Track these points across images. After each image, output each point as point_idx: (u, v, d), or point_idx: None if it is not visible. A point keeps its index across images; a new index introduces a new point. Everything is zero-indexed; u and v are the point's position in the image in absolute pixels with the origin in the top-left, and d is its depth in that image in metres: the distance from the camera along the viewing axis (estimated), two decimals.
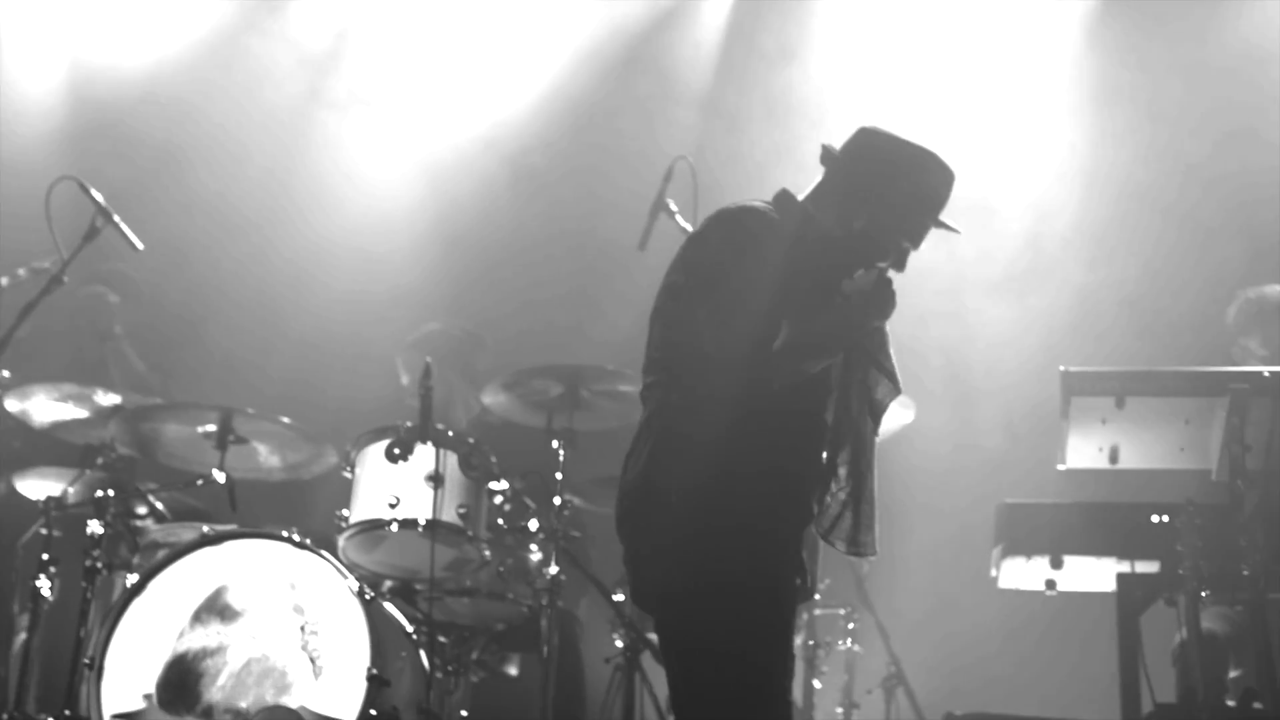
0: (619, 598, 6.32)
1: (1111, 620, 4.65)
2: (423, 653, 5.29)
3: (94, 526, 5.32)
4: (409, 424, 5.46)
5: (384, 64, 8.16)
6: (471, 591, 5.70)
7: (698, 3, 8.14)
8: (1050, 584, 4.86)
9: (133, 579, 5.07)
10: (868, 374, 3.52)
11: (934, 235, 3.59)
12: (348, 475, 5.57)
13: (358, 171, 8.06)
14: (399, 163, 8.11)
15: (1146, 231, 7.48)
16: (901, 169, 3.53)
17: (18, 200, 6.52)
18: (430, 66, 8.13)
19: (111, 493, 5.41)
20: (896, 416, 6.32)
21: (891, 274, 3.46)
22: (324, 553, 5.04)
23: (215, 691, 4.74)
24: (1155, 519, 4.55)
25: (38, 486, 5.82)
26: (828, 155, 3.62)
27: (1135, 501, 4.66)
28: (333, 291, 7.77)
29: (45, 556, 5.34)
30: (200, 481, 5.60)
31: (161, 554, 5.05)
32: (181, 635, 4.84)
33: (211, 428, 5.56)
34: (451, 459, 5.47)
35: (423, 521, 5.34)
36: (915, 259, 3.56)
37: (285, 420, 5.62)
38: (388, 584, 5.66)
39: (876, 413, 3.55)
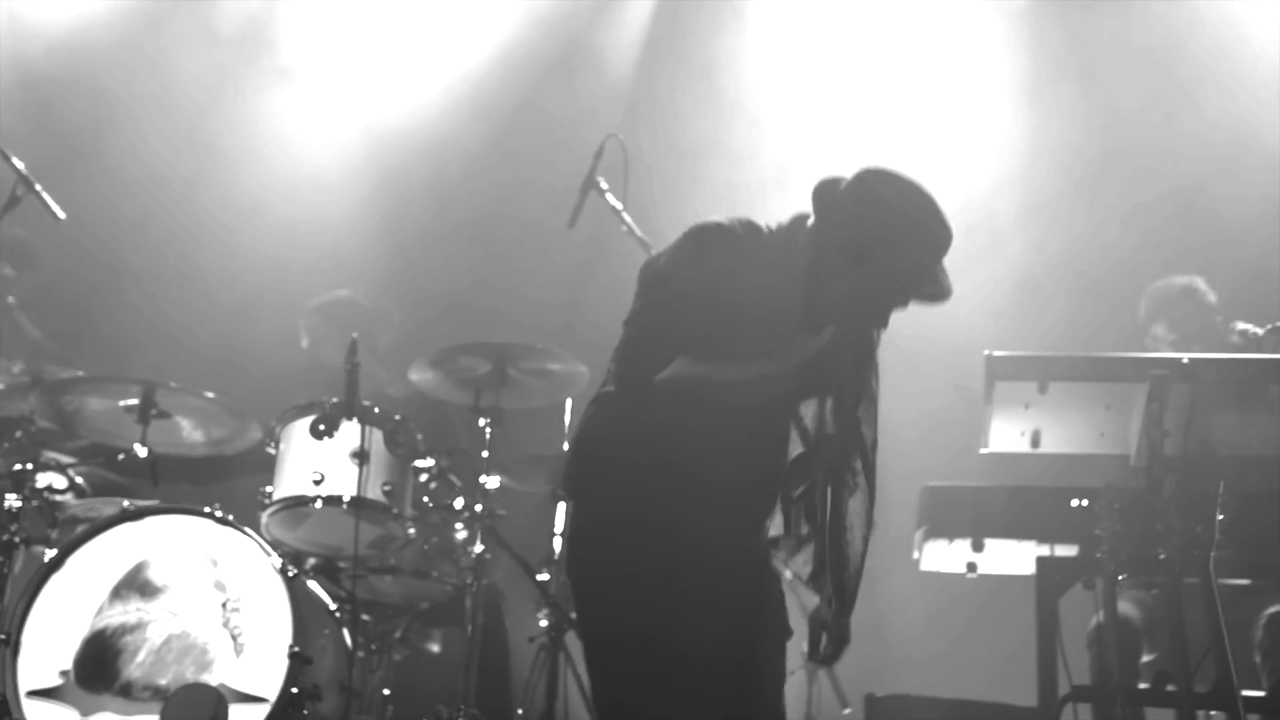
0: (543, 577, 6.33)
1: (1031, 603, 4.70)
2: (346, 630, 5.26)
3: (11, 501, 5.23)
4: (334, 400, 5.43)
5: (317, 32, 8.09)
6: (396, 569, 5.68)
7: None
8: (971, 566, 4.90)
9: (51, 554, 4.99)
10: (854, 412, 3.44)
11: None
12: (272, 451, 5.52)
13: (290, 139, 8.00)
14: (333, 133, 8.06)
15: (1087, 210, 7.58)
16: (902, 243, 3.34)
17: None
18: (364, 38, 8.08)
19: (30, 466, 5.33)
20: None
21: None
22: (247, 529, 4.99)
23: (134, 668, 4.69)
24: (1075, 503, 4.59)
25: None
26: (826, 193, 3.42)
27: (1056, 486, 4.71)
28: (263, 260, 7.70)
29: None
30: (121, 456, 5.52)
31: (81, 529, 4.98)
32: (100, 611, 4.79)
33: (134, 401, 5.47)
34: (377, 436, 5.44)
35: (347, 498, 5.31)
36: None
37: (209, 395, 5.54)
38: (311, 561, 5.63)
39: (866, 459, 3.44)
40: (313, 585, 5.28)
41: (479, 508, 5.72)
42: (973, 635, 6.68)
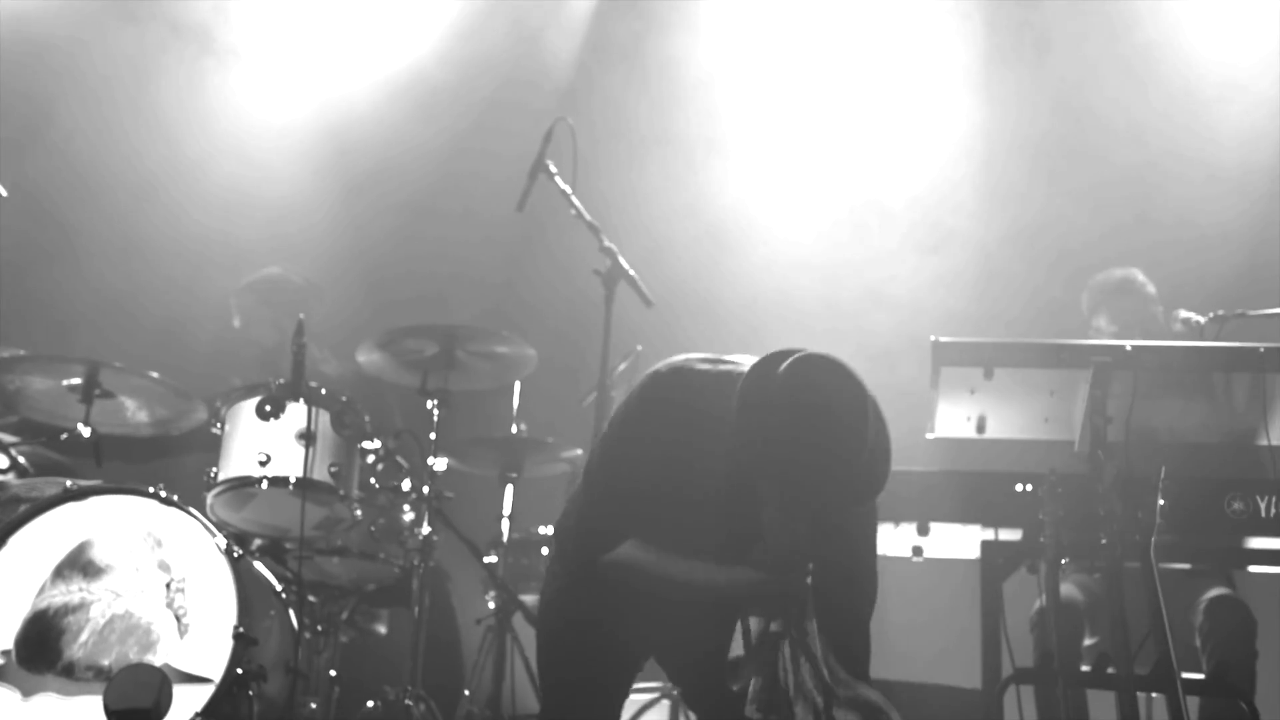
0: (490, 559, 6.32)
1: (975, 587, 4.73)
2: (292, 612, 5.24)
3: None
4: (280, 380, 5.40)
5: (268, 11, 8.04)
6: (342, 551, 5.66)
7: None
8: (917, 551, 4.93)
9: None
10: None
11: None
12: (217, 432, 5.48)
13: (238, 115, 7.94)
14: (281, 111, 8.00)
15: (1044, 192, 7.65)
16: (777, 480, 3.11)
17: None
18: (314, 19, 8.04)
19: None
20: None
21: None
22: (191, 509, 4.95)
23: (77, 649, 4.65)
24: (1019, 488, 4.63)
25: None
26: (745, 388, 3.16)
27: (1001, 471, 4.75)
28: (208, 233, 7.65)
29: None
30: (64, 436, 5.47)
31: (23, 508, 4.90)
32: (42, 591, 4.73)
33: (77, 381, 5.42)
34: (324, 417, 5.40)
35: (293, 479, 5.28)
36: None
37: (154, 375, 5.49)
38: (257, 542, 5.60)
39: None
40: (258, 566, 5.25)
41: (426, 489, 5.71)
42: (918, 619, 6.73)
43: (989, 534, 4.72)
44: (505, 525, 6.56)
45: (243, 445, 5.36)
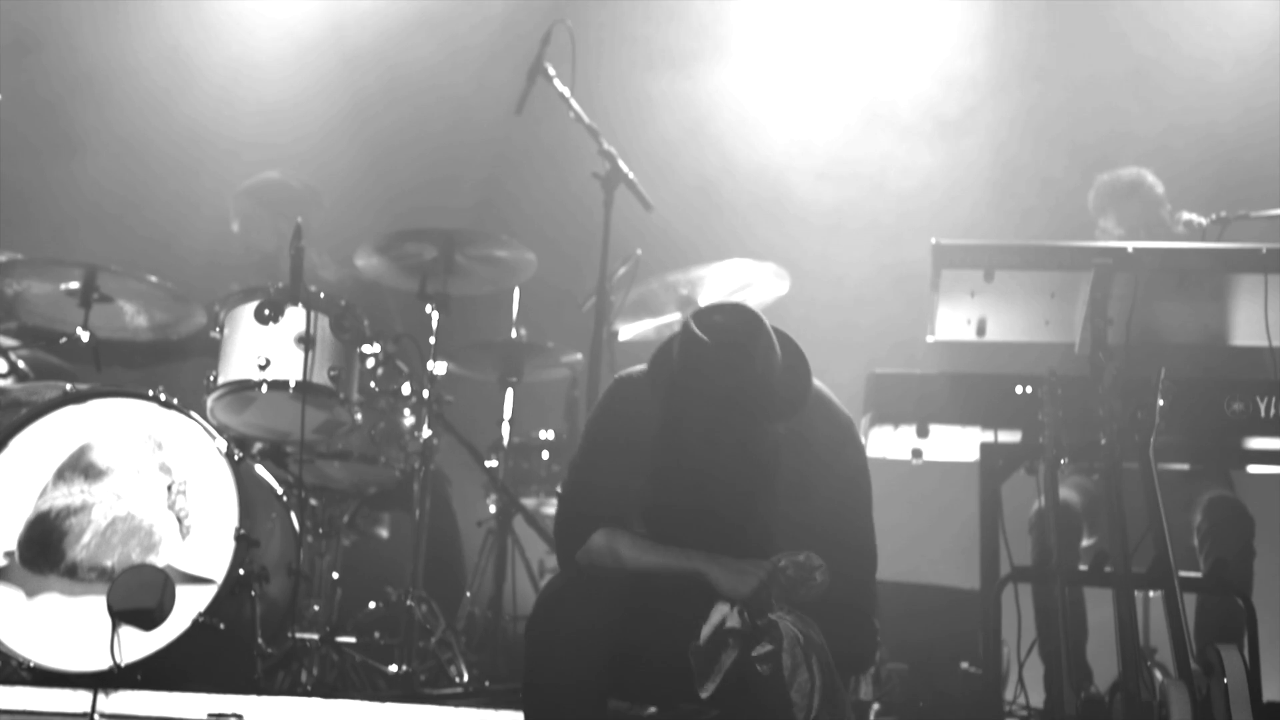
0: (491, 463, 6.34)
1: (974, 488, 4.75)
2: (293, 514, 5.26)
3: None
4: (279, 285, 5.37)
5: None
6: (343, 454, 5.67)
7: None
8: (917, 453, 4.94)
9: None
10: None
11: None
12: (216, 336, 5.47)
13: (240, 15, 7.86)
14: (283, 10, 7.92)
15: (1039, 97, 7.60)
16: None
17: None
18: None
19: None
20: (771, 288, 6.37)
21: None
22: (191, 413, 4.95)
23: (79, 550, 4.67)
24: (1019, 390, 4.63)
25: None
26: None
27: (1000, 373, 4.75)
28: (207, 138, 7.60)
29: None
30: (63, 340, 5.47)
31: (23, 412, 4.91)
32: (44, 493, 4.75)
33: (75, 285, 5.41)
34: (323, 321, 5.38)
35: (293, 383, 5.28)
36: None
37: (152, 279, 5.47)
38: (258, 446, 5.61)
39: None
40: (259, 469, 5.27)
41: (426, 393, 5.71)
42: (917, 520, 6.75)
43: (988, 436, 4.73)
44: (505, 429, 6.57)
45: (242, 349, 5.35)
